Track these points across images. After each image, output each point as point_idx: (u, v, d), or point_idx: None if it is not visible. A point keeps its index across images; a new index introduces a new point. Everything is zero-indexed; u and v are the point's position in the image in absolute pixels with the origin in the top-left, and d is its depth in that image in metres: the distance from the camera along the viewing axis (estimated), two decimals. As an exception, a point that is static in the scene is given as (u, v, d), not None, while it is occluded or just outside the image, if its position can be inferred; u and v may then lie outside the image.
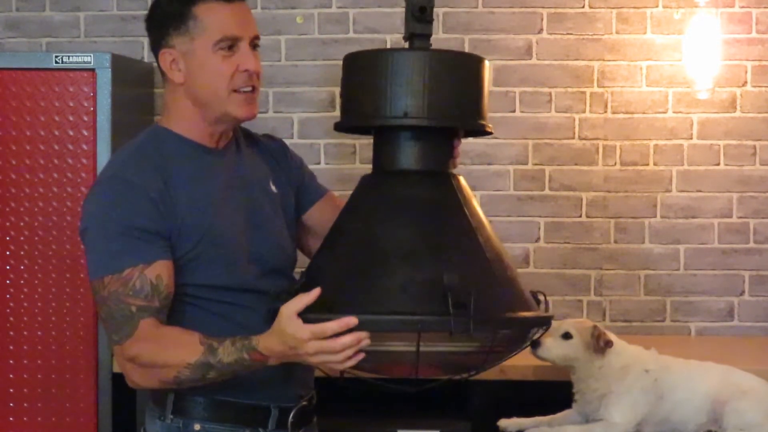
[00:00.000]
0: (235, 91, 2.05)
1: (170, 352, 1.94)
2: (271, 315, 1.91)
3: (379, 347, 1.82)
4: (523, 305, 1.93)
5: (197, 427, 2.05)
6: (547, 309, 2.02)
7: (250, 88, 2.07)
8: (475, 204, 2.00)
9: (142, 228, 1.97)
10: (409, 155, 1.94)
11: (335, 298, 1.84)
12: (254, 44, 2.08)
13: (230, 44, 2.03)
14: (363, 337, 1.80)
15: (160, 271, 1.97)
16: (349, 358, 1.82)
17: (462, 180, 2.01)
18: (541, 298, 2.03)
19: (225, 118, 2.08)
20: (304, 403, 2.15)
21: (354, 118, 1.99)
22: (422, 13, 1.91)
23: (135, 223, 1.97)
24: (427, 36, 1.94)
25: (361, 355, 1.82)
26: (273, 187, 2.20)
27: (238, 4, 2.06)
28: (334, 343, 1.81)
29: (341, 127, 2.06)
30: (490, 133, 2.04)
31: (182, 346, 1.94)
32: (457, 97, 1.93)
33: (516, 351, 1.99)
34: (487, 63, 2.00)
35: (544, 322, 1.97)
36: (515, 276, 1.97)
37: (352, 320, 1.79)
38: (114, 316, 1.96)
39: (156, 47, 2.09)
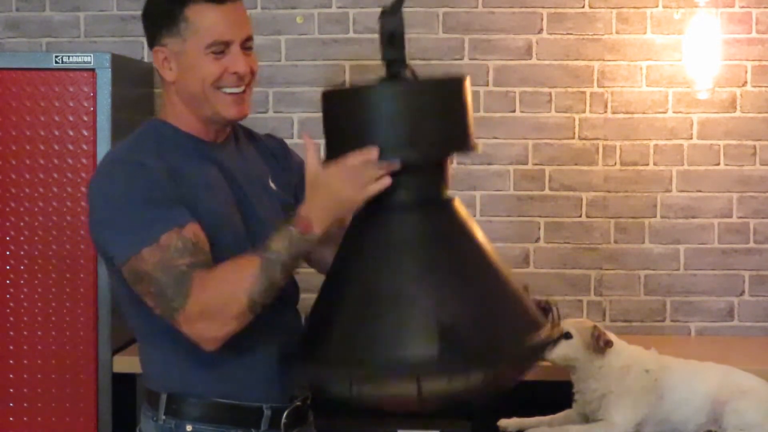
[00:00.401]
0: (219, 88, 2.04)
1: (230, 280, 1.89)
2: (285, 358, 1.95)
3: (382, 391, 1.84)
4: (529, 326, 1.89)
5: (189, 428, 2.03)
6: (558, 318, 1.98)
7: (239, 89, 2.05)
8: (472, 227, 1.96)
9: (165, 197, 1.94)
10: (397, 188, 1.89)
11: (337, 352, 1.86)
12: (247, 46, 2.06)
13: (221, 49, 2.02)
14: (387, 169, 1.85)
15: (195, 230, 1.93)
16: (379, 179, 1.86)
17: (457, 204, 1.96)
18: (553, 305, 1.99)
19: (215, 117, 2.07)
20: (298, 403, 2.13)
21: (336, 158, 1.92)
22: (392, 40, 1.89)
23: (156, 193, 1.94)
24: (401, 61, 1.90)
25: (388, 180, 1.86)
26: (272, 185, 2.20)
27: (230, 4, 2.04)
28: (364, 171, 1.84)
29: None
30: (476, 151, 1.98)
31: (238, 268, 1.91)
32: (438, 125, 1.88)
33: (527, 370, 1.97)
34: (467, 81, 1.94)
35: (548, 343, 1.93)
36: (518, 296, 1.93)
37: (372, 150, 1.84)
38: (165, 284, 1.90)
39: (150, 44, 2.09)
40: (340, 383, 1.85)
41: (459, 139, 1.92)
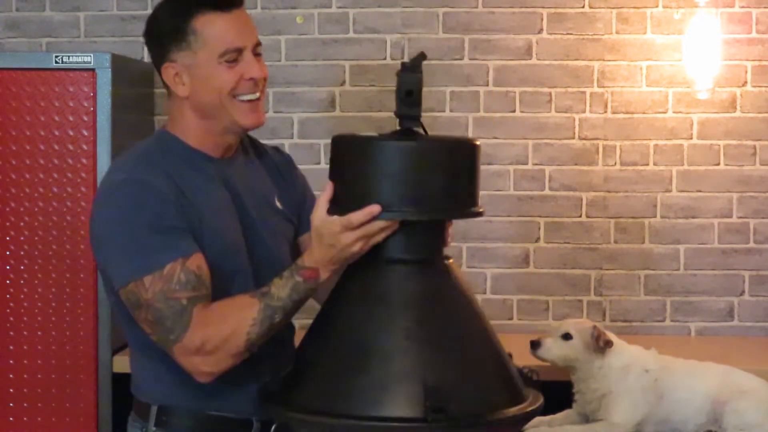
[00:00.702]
0: (235, 96, 2.03)
1: (231, 320, 1.90)
2: (263, 396, 1.93)
3: None
4: (511, 397, 1.90)
5: None
6: (540, 389, 1.99)
7: (255, 96, 2.05)
8: (465, 289, 1.96)
9: (171, 225, 1.94)
10: (396, 245, 1.89)
11: (318, 400, 1.86)
12: (257, 51, 2.05)
13: (234, 57, 2.01)
14: (392, 224, 1.85)
15: (199, 263, 1.94)
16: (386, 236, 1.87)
17: (452, 266, 1.97)
18: (535, 377, 2.00)
19: (232, 127, 2.06)
20: None
21: (343, 207, 1.91)
22: (409, 96, 1.89)
23: (163, 222, 1.93)
24: (415, 118, 1.91)
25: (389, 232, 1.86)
26: (278, 203, 2.19)
27: (237, 12, 2.03)
28: (369, 228, 1.83)
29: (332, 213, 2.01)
30: (482, 214, 2.01)
31: (238, 308, 1.92)
32: (445, 187, 1.89)
33: None
34: (478, 146, 1.97)
35: (529, 417, 1.93)
36: (504, 364, 1.94)
37: (375, 208, 1.82)
38: (165, 315, 1.90)
39: (158, 62, 2.06)
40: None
41: (463, 204, 1.94)
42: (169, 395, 2.04)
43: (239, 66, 2.02)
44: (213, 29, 2.00)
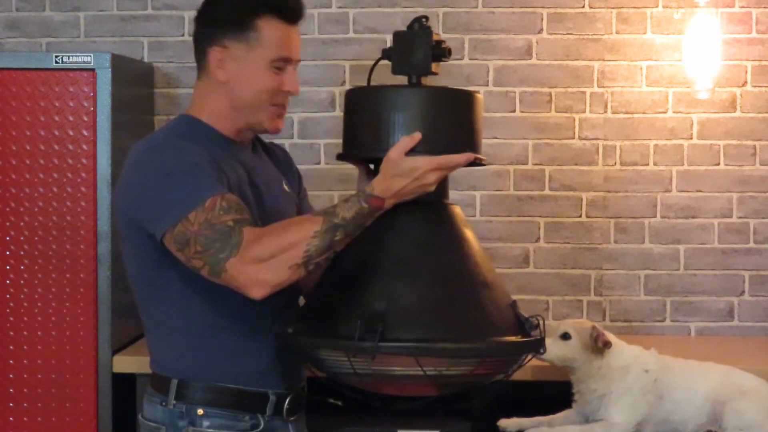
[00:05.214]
0: (271, 102, 2.14)
1: (292, 231, 1.97)
2: (279, 341, 2.08)
3: (330, 362, 2.00)
4: (479, 329, 1.99)
5: (200, 411, 2.11)
6: (542, 334, 2.07)
7: (284, 106, 2.18)
8: (466, 231, 2.09)
9: (208, 173, 2.03)
10: None
11: (304, 311, 2.07)
12: (296, 67, 2.17)
13: (282, 65, 2.12)
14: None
15: (238, 198, 2.03)
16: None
17: (455, 209, 2.11)
18: (540, 320, 2.08)
19: (255, 127, 2.17)
20: (298, 391, 2.23)
21: (354, 149, 2.11)
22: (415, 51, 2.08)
23: (201, 170, 2.02)
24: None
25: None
26: (286, 187, 2.30)
27: (296, 27, 2.15)
28: (452, 158, 2.00)
29: (342, 158, 2.17)
30: (483, 164, 2.12)
31: (300, 222, 2.02)
32: (450, 131, 2.03)
33: (497, 375, 2.09)
34: (480, 97, 2.11)
35: (476, 354, 2.01)
36: (484, 303, 2.02)
37: (470, 156, 2.03)
38: (213, 239, 1.96)
39: (206, 42, 2.14)
40: (304, 349, 2.03)
41: (464, 146, 2.07)
42: (189, 369, 2.12)
43: (282, 76, 2.13)
44: (274, 34, 2.11)
